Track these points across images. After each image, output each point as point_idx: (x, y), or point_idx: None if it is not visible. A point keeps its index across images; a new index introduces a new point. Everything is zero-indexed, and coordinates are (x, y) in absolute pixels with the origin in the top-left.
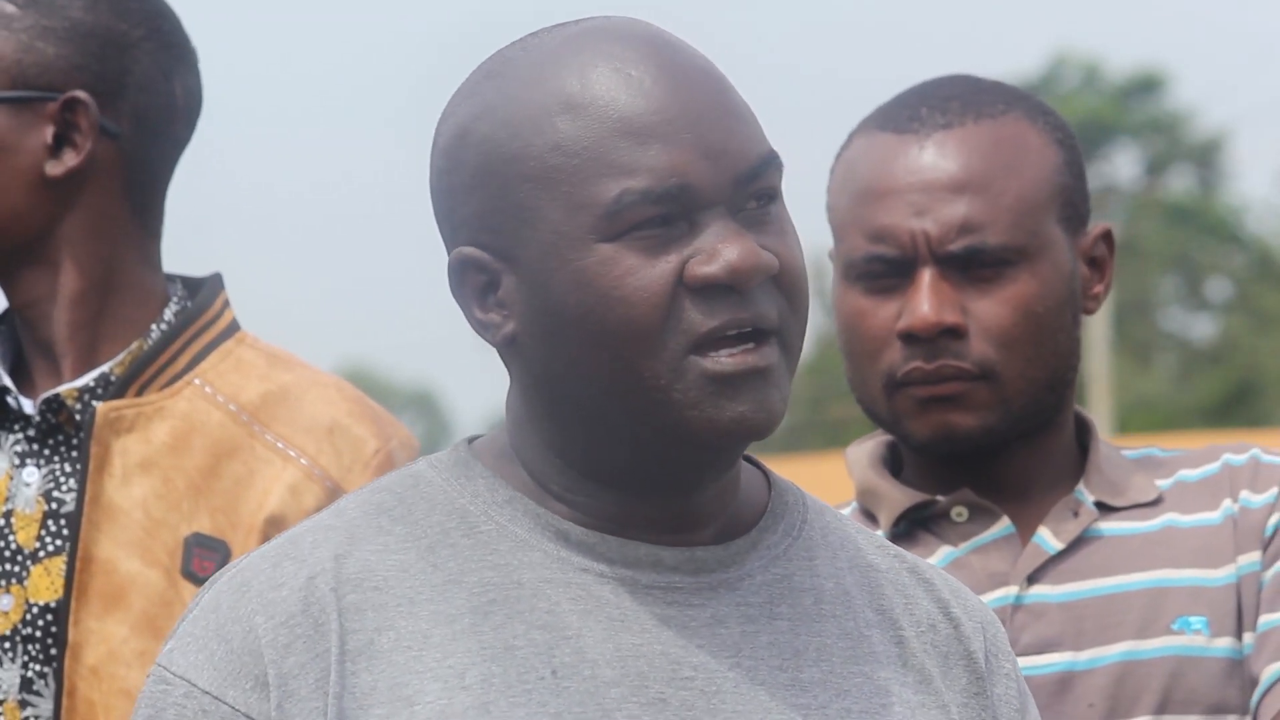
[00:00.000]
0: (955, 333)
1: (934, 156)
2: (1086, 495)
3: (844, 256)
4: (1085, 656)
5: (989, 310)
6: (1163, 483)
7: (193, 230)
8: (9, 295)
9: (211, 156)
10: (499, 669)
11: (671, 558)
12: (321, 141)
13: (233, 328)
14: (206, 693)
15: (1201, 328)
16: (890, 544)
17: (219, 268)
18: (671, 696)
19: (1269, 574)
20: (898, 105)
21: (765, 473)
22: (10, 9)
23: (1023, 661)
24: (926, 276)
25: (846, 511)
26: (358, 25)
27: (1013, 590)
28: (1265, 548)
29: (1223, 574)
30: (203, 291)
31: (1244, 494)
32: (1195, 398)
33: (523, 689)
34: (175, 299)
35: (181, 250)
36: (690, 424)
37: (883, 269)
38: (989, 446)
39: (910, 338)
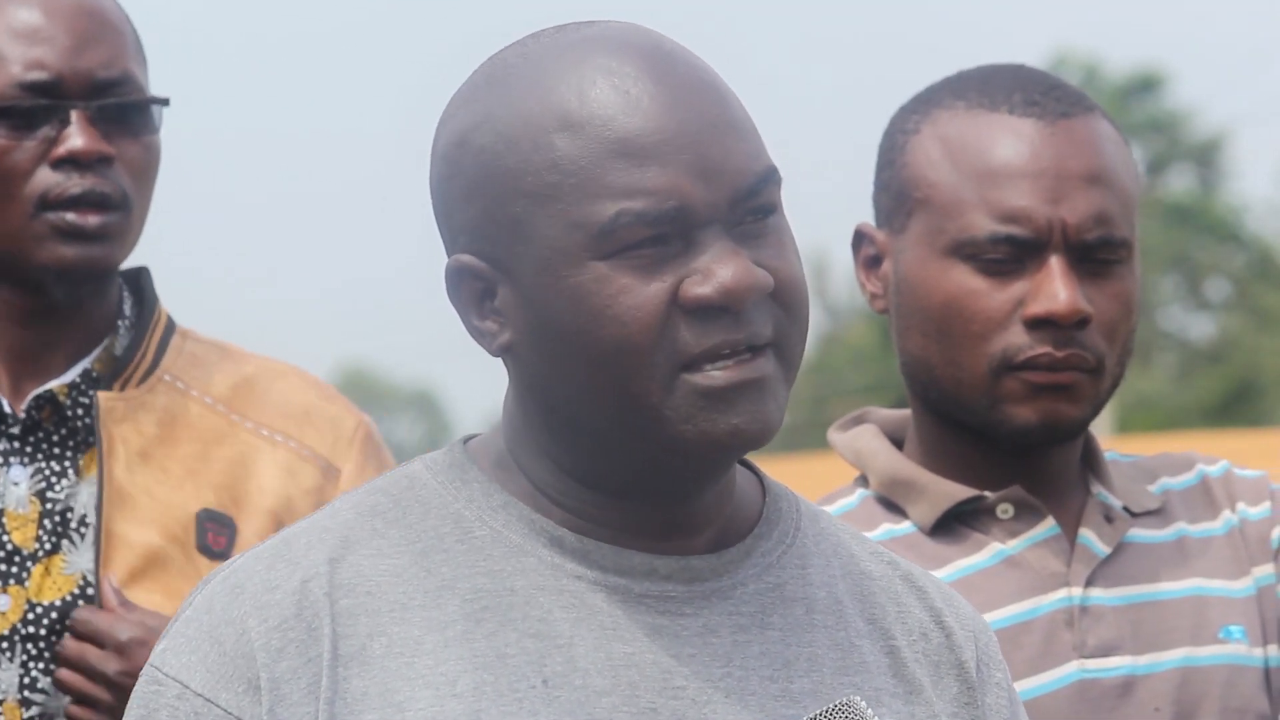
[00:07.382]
0: (1085, 323)
1: (1066, 144)
2: (1111, 499)
3: (955, 234)
4: (1144, 661)
5: (1102, 304)
6: (1153, 489)
7: (192, 229)
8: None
9: (211, 155)
10: (490, 677)
11: (665, 566)
12: (322, 140)
13: (172, 322)
14: (199, 695)
15: (1201, 327)
16: (884, 550)
17: (219, 267)
18: (662, 706)
19: None
20: (993, 87)
21: (760, 477)
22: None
23: (1087, 664)
24: (1059, 263)
25: (853, 500)
26: (360, 25)
27: (1076, 591)
28: (1276, 559)
29: (1242, 585)
30: (145, 287)
31: (1241, 505)
32: (1195, 397)
33: (514, 697)
34: (125, 293)
35: (181, 249)
36: (684, 438)
37: (1009, 251)
38: (1052, 441)
39: (1043, 323)
